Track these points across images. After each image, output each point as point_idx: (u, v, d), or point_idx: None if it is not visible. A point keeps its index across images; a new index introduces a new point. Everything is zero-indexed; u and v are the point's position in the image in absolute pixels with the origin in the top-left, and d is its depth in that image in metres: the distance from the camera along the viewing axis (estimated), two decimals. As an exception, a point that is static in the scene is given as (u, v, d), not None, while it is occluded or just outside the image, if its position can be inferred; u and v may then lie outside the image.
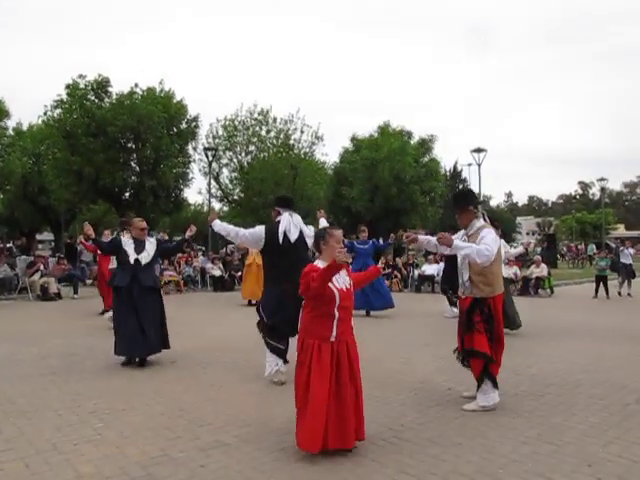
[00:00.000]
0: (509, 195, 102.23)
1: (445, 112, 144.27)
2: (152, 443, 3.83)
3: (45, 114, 21.66)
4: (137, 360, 6.28)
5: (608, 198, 70.89)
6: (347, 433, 3.51)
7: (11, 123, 24.38)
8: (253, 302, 12.45)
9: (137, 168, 22.24)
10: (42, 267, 14.60)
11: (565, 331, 8.78)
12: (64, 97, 21.16)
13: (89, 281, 16.53)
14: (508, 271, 12.88)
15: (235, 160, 27.16)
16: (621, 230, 61.40)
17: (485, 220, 4.81)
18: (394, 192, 27.04)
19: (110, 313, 7.76)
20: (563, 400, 4.90)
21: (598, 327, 9.22)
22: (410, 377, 5.73)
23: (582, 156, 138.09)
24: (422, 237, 4.99)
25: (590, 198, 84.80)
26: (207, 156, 24.17)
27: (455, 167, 50.56)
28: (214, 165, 25.92)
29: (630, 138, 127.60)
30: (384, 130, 29.28)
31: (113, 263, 8.35)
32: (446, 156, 68.46)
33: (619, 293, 14.58)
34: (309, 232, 5.62)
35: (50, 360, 6.55)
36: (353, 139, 30.31)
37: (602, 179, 35.16)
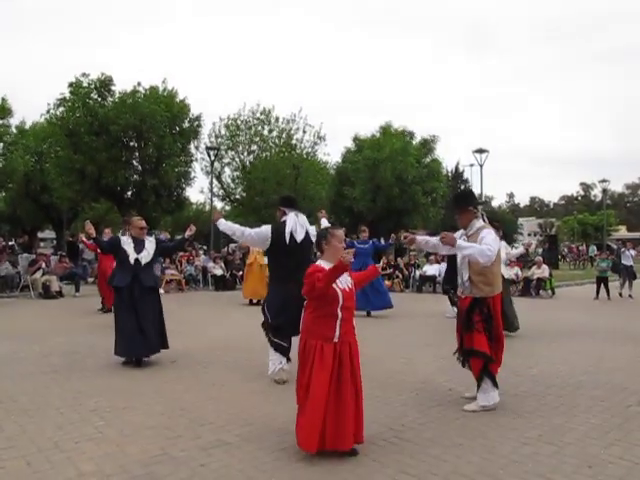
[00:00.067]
0: (511, 196, 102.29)
1: (445, 112, 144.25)
2: (153, 442, 3.83)
3: (48, 112, 21.69)
4: (134, 359, 6.25)
5: (610, 199, 70.84)
6: (345, 434, 3.49)
7: (14, 121, 24.42)
8: (254, 301, 12.48)
9: (139, 167, 22.25)
10: (44, 265, 14.61)
11: (566, 332, 8.78)
12: (67, 95, 21.19)
13: (91, 279, 16.53)
14: (509, 272, 12.86)
15: (237, 159, 27.18)
16: (622, 232, 61.30)
17: (484, 220, 4.85)
18: (396, 192, 27.04)
19: None
20: (564, 401, 4.90)
21: (599, 328, 9.22)
22: (411, 377, 5.74)
23: (583, 157, 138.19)
24: (420, 238, 5.06)
25: (592, 199, 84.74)
26: (209, 155, 24.19)
27: (457, 168, 50.57)
28: (216, 164, 25.94)
29: (632, 139, 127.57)
30: (386, 130, 29.28)
31: None
32: (446, 156, 68.58)
33: (620, 294, 14.58)
34: (315, 233, 5.64)
35: (52, 358, 6.56)
36: (355, 139, 30.33)
37: (604, 180, 35.18)
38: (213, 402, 4.80)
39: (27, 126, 28.23)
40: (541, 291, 15.37)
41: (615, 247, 26.96)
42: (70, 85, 21.17)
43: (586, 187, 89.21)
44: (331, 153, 41.38)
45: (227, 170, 27.66)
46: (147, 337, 6.18)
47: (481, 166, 25.04)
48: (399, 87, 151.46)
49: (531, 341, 7.96)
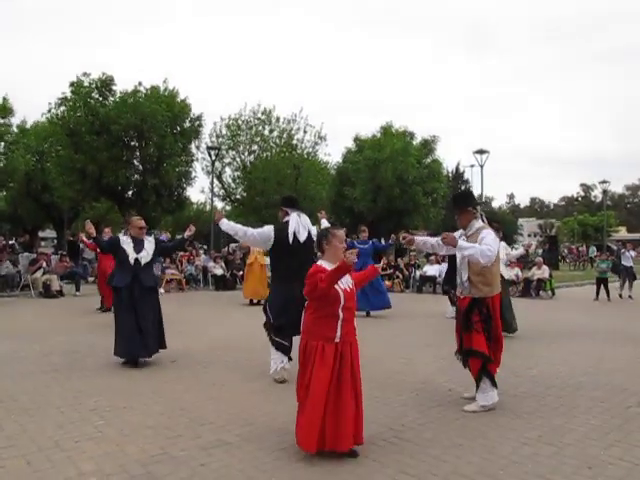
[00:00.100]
0: (511, 197, 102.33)
1: (445, 112, 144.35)
2: (153, 441, 3.84)
3: (49, 111, 21.69)
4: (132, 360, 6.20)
5: (610, 200, 70.85)
6: (343, 435, 3.49)
7: (15, 120, 24.41)
8: (254, 301, 12.49)
9: (140, 166, 22.23)
10: (44, 264, 14.62)
11: (566, 333, 8.78)
12: (68, 95, 21.19)
13: (91, 278, 16.54)
14: (509, 273, 12.86)
15: (238, 159, 27.15)
16: (623, 233, 61.28)
17: (483, 221, 4.88)
18: (396, 193, 27.02)
19: None
20: (564, 402, 4.90)
21: (599, 329, 9.22)
22: (411, 377, 5.74)
23: (583, 157, 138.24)
24: (419, 238, 5.13)
25: (592, 200, 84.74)
26: (210, 155, 24.17)
27: (457, 168, 50.56)
28: (217, 164, 25.91)
29: (632, 140, 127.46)
30: (387, 130, 29.27)
31: None
32: (447, 157, 68.62)
33: (620, 295, 14.59)
34: (316, 233, 5.67)
35: (52, 357, 6.56)
36: (356, 139, 30.30)
37: (604, 181, 35.15)
38: (213, 402, 4.81)
39: (28, 125, 28.25)
40: (541, 292, 15.37)
41: (615, 248, 26.97)
42: (71, 84, 21.17)
43: (586, 188, 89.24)
44: (332, 153, 41.46)
45: (228, 170, 27.64)
46: (146, 338, 6.17)
47: (481, 167, 25.05)
48: (399, 87, 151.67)
49: (531, 342, 7.96)
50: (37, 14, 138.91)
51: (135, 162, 22.28)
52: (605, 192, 39.65)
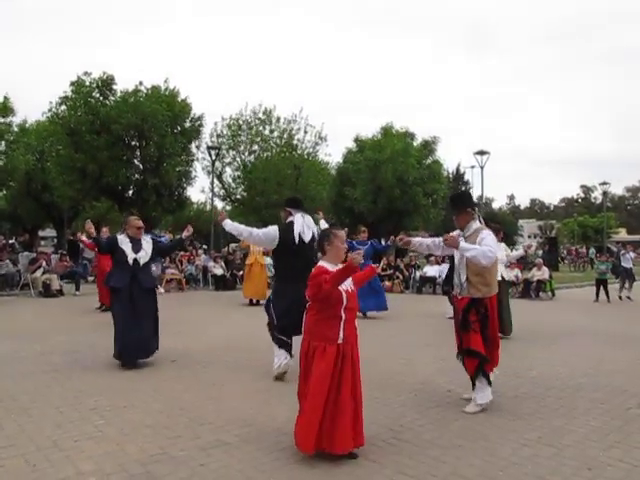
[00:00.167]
0: (511, 198, 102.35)
1: (445, 112, 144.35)
2: (152, 441, 3.84)
3: (50, 111, 21.70)
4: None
5: (610, 202, 70.83)
6: (339, 438, 3.47)
7: (16, 120, 24.39)
8: (254, 301, 12.48)
9: (140, 166, 22.24)
10: (44, 264, 14.62)
11: (566, 334, 8.78)
12: (69, 94, 21.20)
13: (91, 278, 16.54)
14: (509, 274, 12.87)
15: (238, 159, 27.15)
16: (622, 234, 61.24)
17: (480, 222, 4.93)
18: (397, 193, 27.01)
19: None
20: (564, 403, 4.90)
21: (599, 331, 9.22)
22: (410, 378, 5.74)
23: (583, 158, 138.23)
24: (415, 239, 5.23)
25: (592, 202, 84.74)
26: (210, 155, 24.15)
27: (458, 169, 50.58)
28: (217, 164, 25.91)
29: (632, 141, 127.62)
30: (387, 131, 29.27)
31: None
32: (447, 158, 68.56)
33: (620, 297, 14.58)
34: None
35: (52, 357, 6.56)
36: (356, 140, 30.30)
37: (604, 183, 35.10)
38: (213, 402, 4.81)
39: (28, 125, 28.24)
40: (541, 293, 15.36)
41: (615, 250, 26.98)
42: (72, 84, 21.18)
43: (586, 189, 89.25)
44: (332, 153, 41.40)
45: (228, 170, 27.64)
46: (145, 339, 6.14)
47: (482, 168, 25.06)
48: (399, 87, 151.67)
49: (531, 343, 7.96)
50: (37, 14, 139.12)
51: (135, 162, 22.29)
52: (605, 193, 39.62)
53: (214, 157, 24.15)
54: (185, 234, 6.91)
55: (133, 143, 21.87)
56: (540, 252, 29.45)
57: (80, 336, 8.01)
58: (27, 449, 3.67)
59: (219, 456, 3.60)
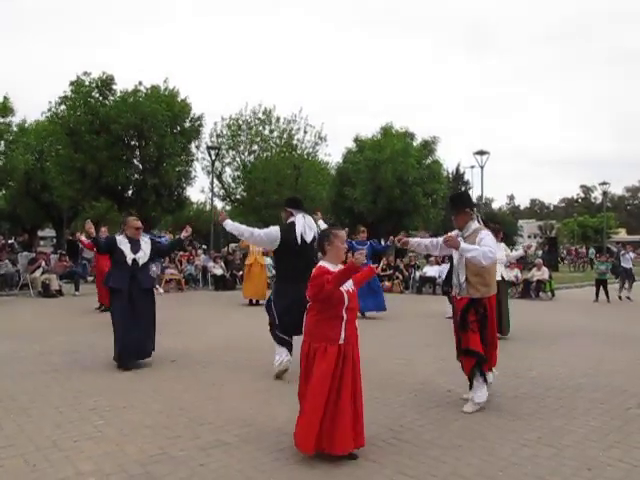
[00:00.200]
0: (511, 198, 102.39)
1: (445, 112, 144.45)
2: (152, 441, 3.83)
3: (49, 110, 21.70)
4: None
5: (610, 202, 70.85)
6: (338, 439, 3.46)
7: (15, 120, 24.40)
8: (253, 302, 12.47)
9: (140, 166, 22.25)
10: (44, 264, 14.62)
11: (566, 334, 8.78)
12: (69, 94, 21.20)
13: (90, 278, 16.54)
14: (509, 274, 12.88)
15: (238, 159, 27.15)
16: (622, 234, 61.29)
17: (479, 222, 4.95)
18: (397, 193, 27.02)
19: None
20: (563, 403, 4.90)
21: (599, 331, 9.22)
22: (410, 378, 5.74)
23: (583, 158, 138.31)
24: (413, 240, 5.29)
25: (592, 202, 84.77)
26: (210, 155, 24.15)
27: (458, 169, 50.59)
28: (217, 164, 25.90)
29: (632, 141, 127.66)
30: (387, 131, 29.28)
31: None
32: (447, 158, 68.62)
33: (619, 297, 14.59)
34: None
35: (52, 357, 6.55)
36: (356, 140, 30.31)
37: (604, 183, 35.12)
38: (212, 402, 4.80)
39: (28, 124, 28.22)
40: (541, 293, 15.36)
41: (615, 250, 26.98)
42: (71, 84, 21.18)
43: (586, 189, 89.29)
44: (332, 154, 41.43)
45: (228, 170, 27.64)
46: (143, 341, 6.12)
47: (482, 168, 25.06)
48: (399, 87, 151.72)
49: (531, 343, 7.96)
50: (37, 14, 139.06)
51: (135, 161, 22.29)
52: (605, 194, 39.65)
53: (214, 157, 24.15)
54: (184, 234, 6.90)
55: (133, 143, 21.87)
56: (540, 252, 29.45)
57: (79, 336, 8.00)
58: (26, 449, 3.67)
59: (219, 456, 3.60)
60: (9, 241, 23.52)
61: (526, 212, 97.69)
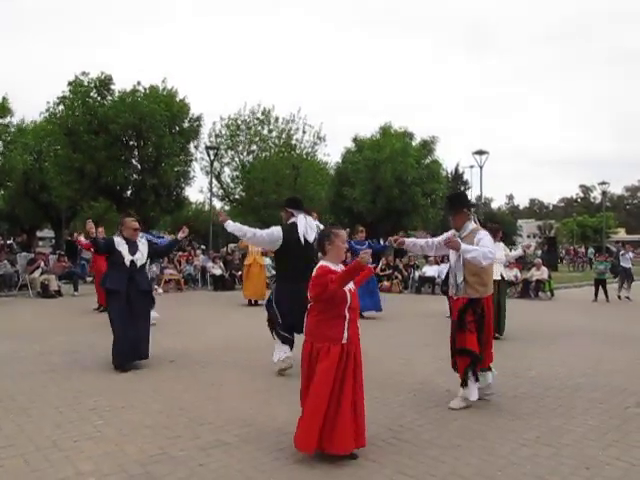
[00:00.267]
0: (510, 198, 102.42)
1: (445, 112, 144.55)
2: (151, 441, 3.84)
3: (47, 111, 21.69)
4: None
5: (609, 202, 70.91)
6: (340, 438, 3.46)
7: (14, 120, 24.37)
8: (253, 302, 12.47)
9: (139, 166, 22.25)
10: (42, 264, 14.61)
11: (565, 334, 8.79)
12: (67, 94, 21.18)
13: (89, 278, 16.53)
14: (508, 273, 12.89)
15: (237, 159, 27.17)
16: (622, 234, 61.35)
17: (475, 222, 5.00)
18: (396, 193, 27.03)
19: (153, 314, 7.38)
20: (562, 403, 4.91)
21: (598, 330, 9.23)
22: (410, 378, 5.75)
23: (583, 158, 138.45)
24: (408, 240, 5.35)
25: (591, 201, 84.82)
26: (209, 155, 24.15)
27: (457, 169, 50.60)
28: (216, 164, 25.91)
29: (632, 141, 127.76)
30: (386, 131, 29.29)
31: None
32: (446, 157, 68.69)
33: (619, 297, 14.61)
34: None
35: (51, 357, 6.55)
36: (355, 139, 30.32)
37: (603, 182, 35.16)
38: (212, 402, 4.81)
39: (25, 124, 28.18)
40: (540, 293, 15.38)
41: (615, 249, 27.01)
42: (70, 84, 21.17)
43: (585, 189, 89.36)
44: (331, 153, 41.50)
45: (226, 170, 27.67)
46: (140, 342, 6.09)
47: (481, 167, 25.07)
48: (399, 87, 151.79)
49: (530, 343, 7.97)
50: (37, 14, 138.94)
51: (133, 162, 22.30)
52: (604, 193, 39.70)
53: (212, 157, 24.15)
54: (181, 235, 6.88)
55: (131, 143, 21.88)
56: (539, 252, 29.48)
57: (79, 336, 8.00)
58: (26, 449, 3.67)
59: (219, 456, 3.60)
60: (8, 242, 23.49)
61: (525, 212, 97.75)
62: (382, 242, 13.14)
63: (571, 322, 10.28)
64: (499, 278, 8.49)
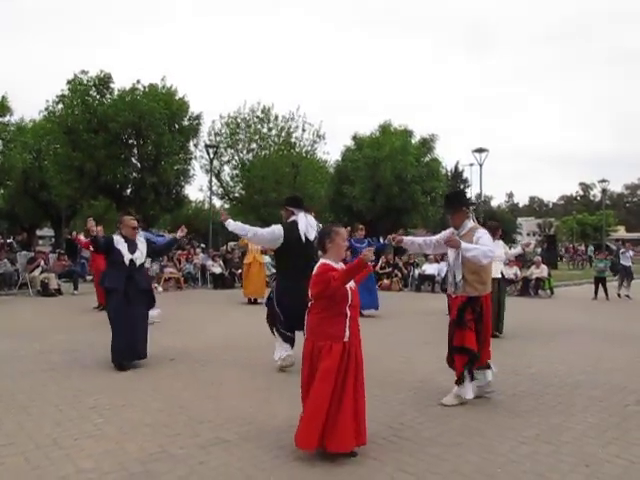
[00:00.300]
0: (510, 196, 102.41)
1: (445, 112, 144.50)
2: (151, 439, 3.84)
3: (46, 109, 21.66)
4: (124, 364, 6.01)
5: (609, 200, 70.86)
6: (341, 436, 3.46)
7: (14, 118, 24.34)
8: (252, 300, 12.47)
9: (138, 164, 22.23)
10: (42, 263, 14.62)
11: (564, 332, 8.79)
12: (66, 92, 21.16)
13: (89, 277, 16.52)
14: (508, 271, 12.90)
15: (236, 157, 27.15)
16: (621, 232, 61.35)
17: (474, 220, 5.02)
18: (395, 191, 27.02)
19: (155, 311, 7.38)
20: (562, 401, 4.92)
21: (597, 328, 9.23)
22: (410, 376, 5.75)
23: (583, 157, 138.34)
24: (406, 238, 5.35)
25: (591, 199, 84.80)
26: (208, 153, 24.13)
27: (456, 167, 50.60)
28: (215, 162, 25.89)
29: (631, 140, 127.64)
30: (385, 129, 29.26)
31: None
32: (446, 156, 68.56)
33: (619, 295, 14.61)
34: None
35: (51, 356, 6.56)
36: (355, 137, 30.30)
37: (603, 180, 35.16)
38: (212, 400, 4.81)
39: (25, 123, 28.16)
40: (540, 291, 15.39)
41: (615, 248, 26.99)
42: (69, 82, 21.15)
43: (585, 187, 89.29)
44: (330, 152, 41.51)
45: (226, 168, 27.64)
46: (138, 341, 6.09)
47: (480, 165, 25.05)
48: (399, 87, 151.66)
49: (529, 341, 7.97)
50: (37, 14, 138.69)
51: (133, 160, 22.28)
52: (604, 191, 39.66)
53: (212, 155, 24.12)
54: (179, 234, 6.87)
55: (131, 141, 21.86)
56: (539, 250, 29.48)
57: (79, 335, 8.00)
58: (27, 447, 3.67)
59: (218, 454, 3.60)
60: (8, 240, 23.48)
61: (525, 210, 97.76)
62: (382, 240, 13.11)
63: (571, 320, 10.29)
64: (499, 276, 8.49)
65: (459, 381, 4.76)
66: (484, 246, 4.59)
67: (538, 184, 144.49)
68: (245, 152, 27.00)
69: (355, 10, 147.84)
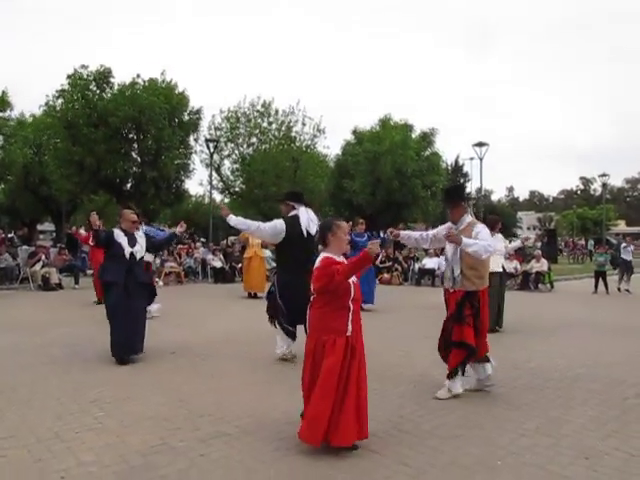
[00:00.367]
0: (510, 190, 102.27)
1: (445, 112, 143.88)
2: (152, 432, 3.85)
3: (46, 104, 21.61)
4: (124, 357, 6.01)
5: (609, 194, 70.78)
6: (344, 429, 3.46)
7: (14, 114, 24.28)
8: (252, 294, 12.48)
9: (138, 159, 22.20)
10: (43, 257, 14.62)
11: (564, 326, 8.80)
12: (66, 87, 21.11)
13: (90, 271, 16.53)
14: (508, 265, 12.90)
15: (237, 152, 27.12)
16: (622, 226, 61.32)
17: (471, 215, 5.06)
18: (396, 185, 26.99)
19: (154, 306, 7.35)
20: (562, 394, 4.93)
21: (597, 322, 9.25)
22: (409, 370, 5.77)
23: (583, 151, 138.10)
24: (403, 233, 5.40)
25: (591, 194, 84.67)
26: (208, 147, 24.10)
27: (457, 161, 50.47)
28: (215, 157, 25.86)
29: (632, 134, 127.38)
30: (386, 123, 29.20)
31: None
32: (447, 150, 68.44)
33: (619, 289, 14.62)
34: None
35: (52, 350, 6.57)
36: (355, 132, 30.24)
37: (604, 175, 35.07)
38: (212, 393, 4.82)
39: (25, 118, 28.11)
40: (540, 285, 15.39)
41: (615, 242, 27.00)
42: (69, 77, 21.10)
43: (586, 181, 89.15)
44: (331, 146, 41.36)
45: (226, 162, 27.62)
46: (138, 336, 6.09)
47: (481, 159, 25.03)
48: (399, 87, 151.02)
49: (529, 335, 7.99)
50: (37, 14, 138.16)
51: (133, 154, 22.25)
52: (604, 185, 39.62)
53: (212, 150, 24.09)
54: (179, 230, 6.86)
55: (131, 136, 21.82)
56: (539, 244, 29.46)
57: (80, 329, 8.02)
58: (28, 440, 3.69)
59: (219, 447, 3.62)
60: (9, 235, 23.48)
61: (525, 204, 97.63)
62: (382, 234, 13.11)
63: (571, 314, 10.30)
64: (500, 270, 8.50)
65: (451, 375, 4.79)
66: (484, 241, 4.63)
67: (538, 178, 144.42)
68: (245, 146, 26.97)
69: (355, 10, 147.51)
